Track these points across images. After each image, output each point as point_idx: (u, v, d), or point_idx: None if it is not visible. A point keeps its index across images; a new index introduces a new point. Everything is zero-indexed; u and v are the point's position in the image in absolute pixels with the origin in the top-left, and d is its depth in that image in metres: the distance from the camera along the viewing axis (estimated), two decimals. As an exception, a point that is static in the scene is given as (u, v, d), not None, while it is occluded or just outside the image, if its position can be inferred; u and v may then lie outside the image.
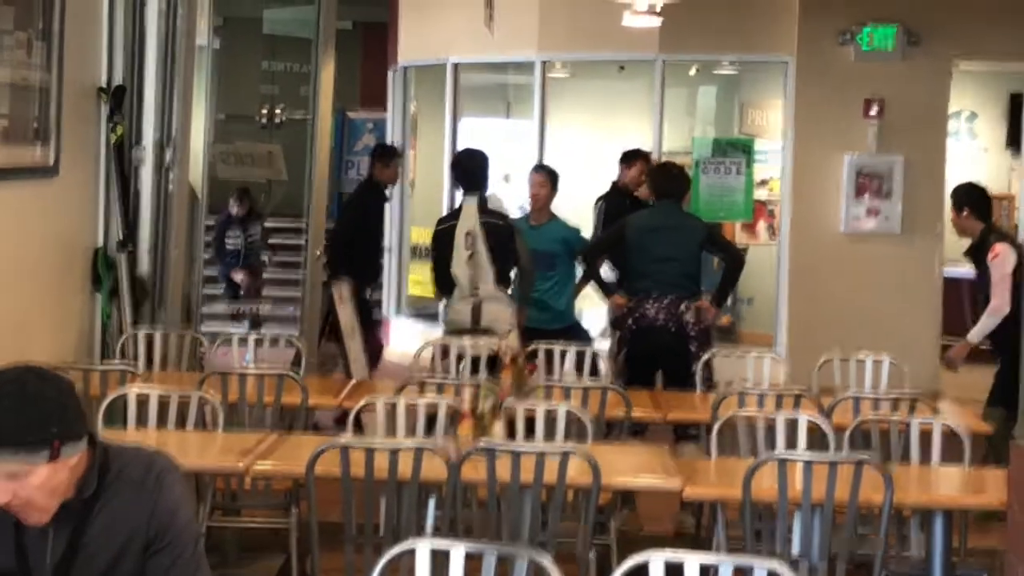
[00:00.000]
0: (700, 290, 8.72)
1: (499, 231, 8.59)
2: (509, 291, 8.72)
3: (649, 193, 9.34)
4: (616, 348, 8.58)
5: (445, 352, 8.13)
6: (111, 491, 3.35)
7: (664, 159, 13.41)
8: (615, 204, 10.76)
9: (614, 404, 6.84)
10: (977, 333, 8.37)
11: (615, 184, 11.24)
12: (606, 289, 9.01)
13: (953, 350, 8.57)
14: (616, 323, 8.60)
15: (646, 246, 8.56)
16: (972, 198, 8.74)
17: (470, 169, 8.77)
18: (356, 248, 10.51)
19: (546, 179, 9.79)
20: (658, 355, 8.34)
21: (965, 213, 8.63)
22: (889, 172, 12.68)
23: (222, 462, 5.80)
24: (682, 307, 8.47)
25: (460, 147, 14.39)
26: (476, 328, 8.40)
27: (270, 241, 14.54)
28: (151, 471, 3.38)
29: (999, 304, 8.23)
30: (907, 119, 12.62)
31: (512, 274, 8.76)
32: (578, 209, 14.34)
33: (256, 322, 13.16)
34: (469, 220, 8.51)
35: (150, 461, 3.41)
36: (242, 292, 13.96)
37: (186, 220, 9.25)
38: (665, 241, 8.55)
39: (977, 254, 8.57)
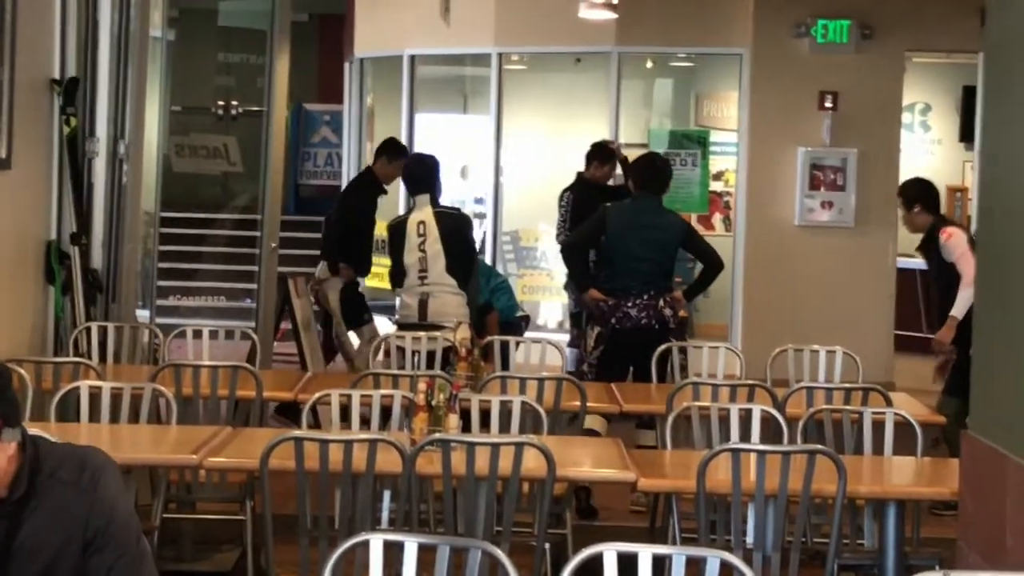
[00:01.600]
0: (672, 284, 8.70)
1: (452, 219, 8.58)
2: (461, 289, 8.66)
3: (630, 184, 9.19)
4: (593, 344, 8.54)
5: (400, 347, 8.13)
6: (44, 492, 3.28)
7: (623, 151, 13.48)
8: (584, 196, 10.77)
9: (570, 396, 6.86)
10: (959, 308, 8.25)
11: (580, 175, 11.25)
12: (585, 284, 8.89)
13: (940, 333, 8.46)
14: (596, 320, 8.54)
15: (626, 243, 8.49)
16: (921, 193, 8.77)
17: (419, 175, 8.75)
18: (354, 240, 10.51)
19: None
20: (638, 352, 8.29)
21: (916, 209, 8.65)
22: (843, 164, 12.74)
23: (176, 455, 5.78)
24: (661, 302, 8.46)
25: (417, 140, 14.45)
26: (423, 323, 8.39)
27: (221, 232, 14.40)
28: (85, 469, 3.32)
29: (972, 274, 8.06)
30: (861, 112, 12.68)
31: (468, 268, 8.70)
32: (534, 201, 14.39)
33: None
34: (422, 212, 8.52)
35: (83, 459, 3.35)
36: None
37: (140, 213, 9.21)
38: (645, 239, 8.47)
39: (928, 245, 8.61)
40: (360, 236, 10.56)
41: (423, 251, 8.49)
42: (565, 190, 11.24)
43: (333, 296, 10.52)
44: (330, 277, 10.53)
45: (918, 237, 8.79)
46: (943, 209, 9.10)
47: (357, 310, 10.66)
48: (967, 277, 8.18)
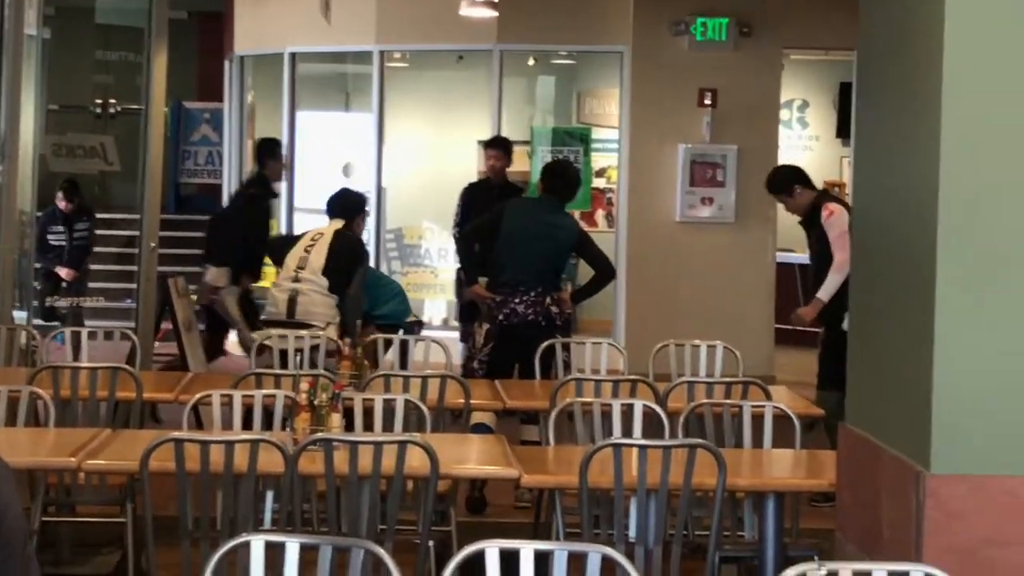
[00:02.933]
0: (560, 285, 8.78)
1: (349, 240, 8.68)
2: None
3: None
4: (483, 341, 8.56)
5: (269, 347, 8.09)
6: None
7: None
8: (483, 193, 10.77)
9: (455, 394, 6.87)
10: (826, 291, 8.28)
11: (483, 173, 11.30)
12: (472, 276, 8.92)
13: (803, 310, 8.55)
14: (485, 317, 8.58)
15: (520, 239, 8.55)
16: (793, 174, 8.85)
17: (340, 204, 8.90)
18: (254, 250, 10.39)
19: (501, 152, 9.81)
20: (526, 348, 8.32)
21: (798, 191, 8.69)
22: (723, 161, 12.87)
23: (54, 458, 5.70)
24: (548, 300, 8.52)
25: (299, 138, 14.40)
26: (291, 321, 8.38)
27: (100, 232, 14.21)
28: (-23, 471, 3.31)
29: (843, 259, 8.03)
30: (740, 109, 12.81)
31: (344, 282, 8.71)
32: (417, 198, 14.37)
33: (77, 319, 12.72)
34: (327, 227, 8.67)
35: (-24, 462, 3.34)
36: (64, 286, 13.54)
37: (16, 213, 9.08)
38: (540, 237, 8.56)
39: (812, 217, 8.60)
40: (260, 245, 10.46)
41: (307, 252, 8.50)
42: (467, 187, 11.25)
43: (232, 304, 10.35)
44: (228, 285, 10.36)
45: (797, 233, 8.88)
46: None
47: (256, 315, 10.60)
48: (838, 261, 8.21)
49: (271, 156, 10.57)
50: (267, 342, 8.11)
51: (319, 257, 8.50)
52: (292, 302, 8.46)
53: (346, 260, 8.64)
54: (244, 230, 10.34)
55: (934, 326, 3.91)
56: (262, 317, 8.93)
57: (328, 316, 8.41)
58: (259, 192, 10.61)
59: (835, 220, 8.37)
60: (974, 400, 3.92)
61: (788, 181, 8.78)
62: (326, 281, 8.49)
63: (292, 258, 8.58)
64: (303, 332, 8.11)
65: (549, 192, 8.76)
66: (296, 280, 8.50)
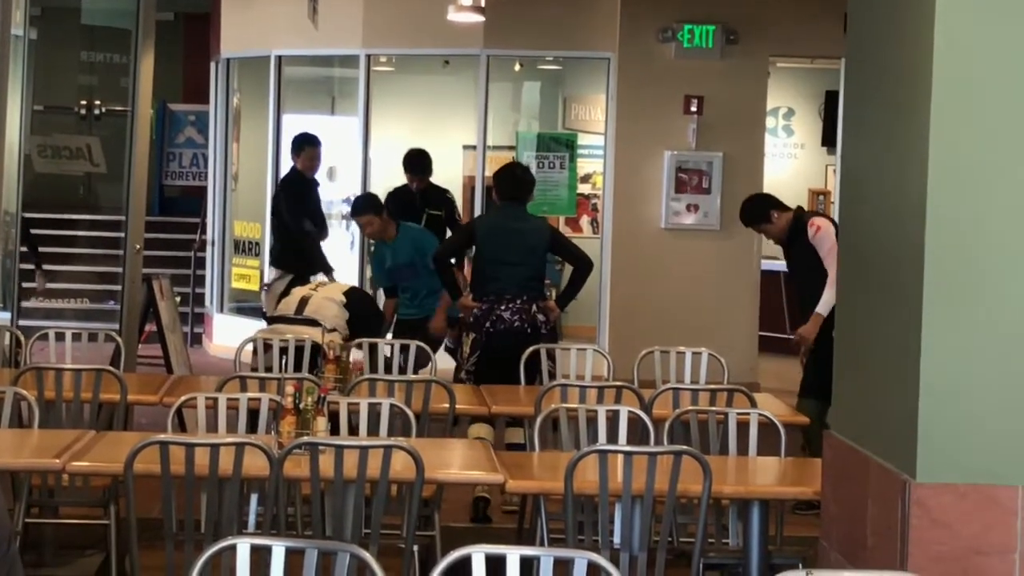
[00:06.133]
0: (545, 292, 8.82)
1: (365, 301, 8.95)
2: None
3: (495, 195, 9.29)
4: (470, 351, 8.57)
5: (268, 346, 8.07)
6: None
7: (491, 154, 13.55)
8: (402, 201, 10.82)
9: (439, 398, 6.86)
10: (825, 305, 8.16)
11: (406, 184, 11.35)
12: (456, 292, 8.99)
13: (804, 328, 8.43)
14: (471, 326, 8.59)
15: (496, 248, 8.60)
16: (767, 201, 8.80)
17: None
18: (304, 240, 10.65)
19: (370, 216, 9.69)
20: (512, 356, 8.32)
21: (775, 216, 8.65)
22: (708, 168, 12.88)
23: (38, 459, 5.69)
24: (534, 308, 8.54)
25: (284, 141, 14.38)
26: (299, 316, 8.39)
27: (84, 233, 14.16)
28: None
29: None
30: (726, 116, 12.82)
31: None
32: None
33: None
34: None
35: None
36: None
37: (1, 214, 9.05)
38: (514, 243, 8.59)
39: (794, 235, 8.55)
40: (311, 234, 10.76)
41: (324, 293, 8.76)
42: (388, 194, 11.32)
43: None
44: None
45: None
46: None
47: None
48: (833, 275, 8.17)
49: (296, 151, 11.05)
50: (267, 340, 8.08)
51: (332, 303, 8.65)
52: (303, 301, 8.53)
53: (366, 316, 8.81)
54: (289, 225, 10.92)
55: (920, 335, 3.92)
56: (270, 315, 8.97)
57: (336, 322, 8.44)
58: (288, 183, 11.16)
59: (824, 235, 8.32)
60: (960, 409, 3.93)
61: (764, 208, 8.71)
62: (344, 299, 8.62)
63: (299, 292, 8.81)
64: (308, 330, 8.11)
65: (507, 199, 8.79)
66: (314, 288, 8.68)
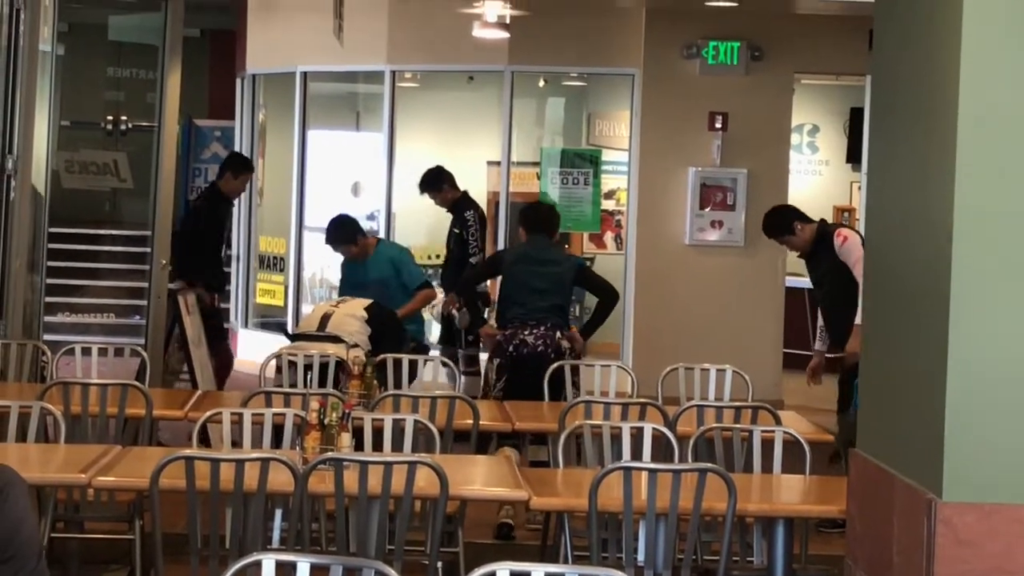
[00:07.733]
0: (569, 323, 8.89)
1: (386, 316, 8.79)
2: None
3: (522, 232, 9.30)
4: (495, 376, 8.59)
5: (292, 363, 8.08)
6: None
7: (515, 169, 13.59)
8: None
9: (463, 414, 6.87)
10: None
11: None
12: (478, 320, 9.05)
13: (851, 344, 8.02)
14: (495, 352, 8.62)
15: (521, 277, 8.72)
16: (790, 213, 8.81)
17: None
18: (206, 256, 10.40)
19: (347, 244, 9.68)
20: (537, 379, 8.32)
21: (799, 227, 8.64)
22: (733, 184, 12.87)
23: (64, 474, 5.71)
24: (558, 334, 8.58)
25: (309, 156, 14.43)
26: (321, 333, 8.40)
27: (109, 248, 14.18)
28: (-5, 484, 3.33)
29: None
30: (750, 132, 12.81)
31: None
32: (426, 218, 14.38)
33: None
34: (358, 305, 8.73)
35: (-6, 475, 3.36)
36: None
37: (28, 229, 9.09)
38: (542, 273, 8.70)
39: (819, 246, 8.52)
40: (214, 251, 10.52)
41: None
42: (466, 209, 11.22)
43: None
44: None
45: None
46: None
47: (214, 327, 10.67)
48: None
49: (229, 170, 10.61)
50: (291, 357, 8.08)
51: (354, 314, 8.63)
52: (325, 318, 8.54)
53: (385, 332, 8.77)
54: (188, 236, 10.68)
55: (947, 353, 3.92)
56: (292, 332, 8.96)
57: (359, 337, 8.44)
58: (204, 198, 10.88)
59: (851, 244, 8.27)
60: (987, 428, 3.92)
61: (788, 220, 8.70)
62: (365, 315, 8.61)
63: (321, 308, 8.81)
64: (331, 347, 8.12)
65: (534, 233, 8.87)
66: (335, 305, 8.66)
